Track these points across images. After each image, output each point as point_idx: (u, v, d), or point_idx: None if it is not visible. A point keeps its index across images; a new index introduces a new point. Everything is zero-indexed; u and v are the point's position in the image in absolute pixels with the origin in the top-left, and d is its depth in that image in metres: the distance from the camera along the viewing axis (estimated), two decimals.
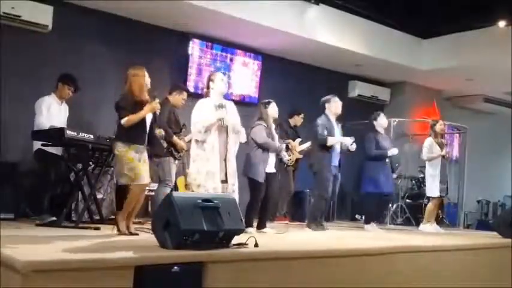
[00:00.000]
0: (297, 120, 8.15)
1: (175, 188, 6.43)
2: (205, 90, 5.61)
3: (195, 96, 6.68)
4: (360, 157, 7.26)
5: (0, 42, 6.49)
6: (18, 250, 3.18)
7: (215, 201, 3.76)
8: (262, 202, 5.89)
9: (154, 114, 5.01)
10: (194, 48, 8.34)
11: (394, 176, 7.97)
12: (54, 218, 5.62)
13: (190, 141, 6.00)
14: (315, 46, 8.73)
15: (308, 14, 8.36)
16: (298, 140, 7.91)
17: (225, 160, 5.27)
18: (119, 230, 4.70)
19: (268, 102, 6.10)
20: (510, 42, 8.39)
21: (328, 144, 6.46)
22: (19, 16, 6.57)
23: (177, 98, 6.22)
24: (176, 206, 3.53)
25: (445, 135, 8.32)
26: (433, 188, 7.68)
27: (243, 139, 5.52)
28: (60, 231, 4.87)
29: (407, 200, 9.57)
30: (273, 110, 6.08)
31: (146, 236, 4.53)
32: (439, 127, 7.84)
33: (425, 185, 8.16)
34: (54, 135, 5.53)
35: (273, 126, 6.11)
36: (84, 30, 7.28)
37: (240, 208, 4.06)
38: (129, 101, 4.74)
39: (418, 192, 9.57)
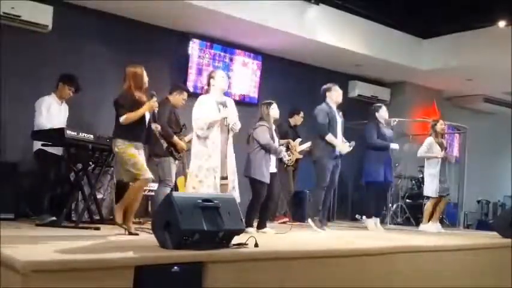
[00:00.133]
0: (297, 120, 8.15)
1: (176, 188, 6.43)
2: (205, 87, 5.61)
3: (195, 96, 6.68)
4: (361, 148, 7.22)
5: (0, 42, 6.49)
6: (18, 250, 3.18)
7: (215, 201, 3.76)
8: (262, 202, 5.89)
9: (152, 112, 5.02)
10: (194, 48, 8.34)
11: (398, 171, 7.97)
12: (54, 218, 5.62)
13: (190, 141, 6.01)
14: (315, 46, 8.73)
15: (308, 14, 8.36)
16: (298, 140, 7.92)
17: (225, 157, 5.28)
18: (130, 232, 4.69)
19: (270, 103, 6.10)
20: (510, 42, 8.39)
21: (326, 138, 6.44)
22: (19, 16, 6.57)
23: (178, 98, 6.22)
24: (176, 206, 3.53)
25: (445, 135, 8.31)
26: (431, 188, 7.68)
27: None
28: (60, 231, 4.88)
29: (407, 200, 9.57)
30: (274, 111, 6.08)
31: (146, 236, 4.53)
32: (439, 127, 7.85)
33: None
34: (54, 135, 5.53)
35: (273, 127, 6.12)
36: (84, 30, 7.28)
37: (240, 208, 4.06)
38: (128, 99, 4.75)
39: (418, 192, 9.57)
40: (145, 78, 4.90)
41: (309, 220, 6.63)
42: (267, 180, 5.80)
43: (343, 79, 10.23)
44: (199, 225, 3.56)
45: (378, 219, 7.31)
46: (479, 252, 5.74)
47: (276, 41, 8.60)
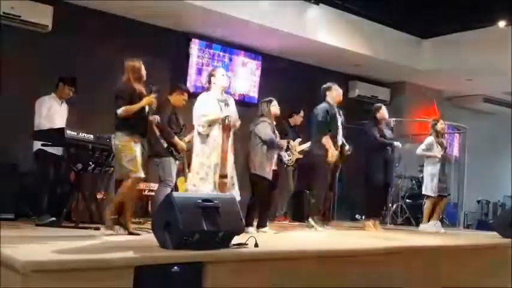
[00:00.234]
0: (297, 120, 8.14)
1: (176, 188, 6.42)
2: (206, 85, 5.61)
3: (195, 96, 6.67)
4: (361, 148, 7.22)
5: (0, 42, 6.49)
6: (18, 250, 3.18)
7: (215, 201, 3.75)
8: (263, 201, 5.88)
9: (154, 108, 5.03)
10: (194, 48, 8.34)
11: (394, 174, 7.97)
12: (54, 218, 5.62)
13: (190, 141, 6.01)
14: (315, 46, 8.73)
15: (308, 14, 8.37)
16: (298, 140, 7.91)
17: (225, 155, 5.28)
18: (129, 232, 4.67)
19: (270, 101, 6.10)
20: (510, 42, 8.39)
21: (323, 141, 6.42)
22: (19, 16, 6.58)
23: (178, 99, 6.21)
24: (176, 206, 3.53)
25: (445, 135, 8.31)
26: (430, 187, 7.67)
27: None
28: (60, 231, 4.88)
29: (408, 200, 9.57)
30: (274, 108, 6.08)
31: (146, 236, 4.53)
32: (439, 126, 7.84)
33: None
34: (54, 135, 5.53)
35: (274, 123, 6.12)
36: (84, 30, 7.28)
37: (240, 207, 4.06)
38: (127, 91, 4.73)
39: (418, 192, 9.54)
40: (143, 72, 4.89)
41: (310, 220, 6.62)
42: (269, 176, 5.79)
43: (343, 79, 10.22)
44: (199, 225, 3.56)
45: (377, 221, 7.30)
46: (479, 252, 5.74)
47: (276, 41, 8.61)
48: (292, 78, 9.29)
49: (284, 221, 7.92)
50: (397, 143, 7.37)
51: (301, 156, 7.86)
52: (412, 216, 9.16)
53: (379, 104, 7.55)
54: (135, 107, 4.71)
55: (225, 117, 5.26)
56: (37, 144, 5.79)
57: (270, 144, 5.84)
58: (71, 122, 6.16)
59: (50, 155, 5.84)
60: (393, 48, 9.53)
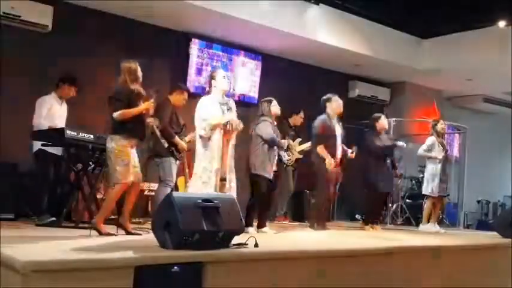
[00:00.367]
0: (297, 120, 8.14)
1: (176, 188, 6.42)
2: (207, 88, 5.60)
3: (195, 96, 6.68)
4: (361, 153, 7.23)
5: (0, 42, 6.49)
6: (18, 250, 3.18)
7: (215, 201, 3.75)
8: (263, 200, 5.88)
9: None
10: (194, 48, 8.34)
11: (399, 172, 7.91)
12: (54, 218, 5.62)
13: (190, 141, 6.01)
14: (315, 46, 8.73)
15: (308, 14, 8.37)
16: (298, 140, 7.91)
17: (226, 158, 5.28)
18: (99, 232, 4.57)
19: (270, 101, 6.11)
20: (510, 42, 8.39)
21: (317, 150, 6.40)
22: (19, 16, 6.58)
23: (178, 98, 6.21)
24: (176, 206, 3.53)
25: (445, 135, 8.30)
26: (430, 187, 7.67)
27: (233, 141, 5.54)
28: (60, 231, 4.88)
29: (408, 200, 9.57)
30: (275, 107, 6.09)
31: (146, 236, 4.53)
32: (440, 126, 7.83)
33: None
34: (54, 135, 5.53)
35: (275, 123, 6.12)
36: (84, 30, 7.28)
37: (240, 207, 4.06)
38: (124, 93, 4.65)
39: (418, 192, 9.55)
40: (140, 73, 4.82)
41: (309, 226, 6.62)
42: (270, 176, 5.79)
43: (343, 79, 10.26)
44: (199, 225, 3.56)
45: (375, 225, 7.30)
46: (479, 252, 5.74)
47: (276, 41, 8.61)
48: (292, 78, 9.29)
49: (284, 221, 7.92)
50: (401, 143, 7.37)
51: (301, 156, 7.87)
52: (412, 216, 9.16)
53: (378, 114, 7.52)
54: (133, 111, 4.61)
55: (227, 122, 5.25)
56: (37, 144, 5.79)
57: (272, 143, 5.83)
58: (71, 122, 6.16)
59: (50, 155, 5.84)
60: (393, 48, 9.53)
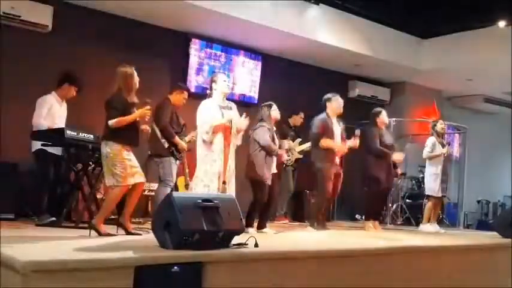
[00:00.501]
0: (297, 120, 8.15)
1: (176, 188, 6.43)
2: (208, 91, 5.61)
3: (195, 96, 6.69)
4: (362, 153, 7.22)
5: (0, 42, 6.49)
6: (18, 250, 3.18)
7: (215, 201, 3.76)
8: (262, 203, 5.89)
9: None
10: (194, 48, 8.34)
11: (399, 171, 7.87)
12: (54, 218, 5.62)
13: (190, 141, 6.02)
14: (315, 46, 8.73)
15: (308, 14, 8.37)
16: (298, 140, 7.92)
17: (227, 161, 5.29)
18: (99, 233, 4.56)
19: (270, 105, 6.10)
20: (510, 42, 8.39)
21: (321, 144, 6.44)
22: (19, 16, 6.58)
23: (178, 98, 6.21)
24: (176, 206, 3.53)
25: (445, 135, 8.29)
26: (433, 187, 7.66)
27: (238, 142, 5.55)
28: (60, 231, 4.88)
29: (408, 200, 9.57)
30: (275, 112, 6.08)
31: (146, 236, 4.53)
32: (439, 126, 7.82)
33: (425, 185, 8.15)
34: (54, 135, 5.53)
35: (274, 129, 6.11)
36: (84, 30, 7.28)
37: (240, 209, 4.06)
38: (120, 101, 4.63)
39: (418, 192, 9.57)
40: (136, 79, 4.77)
41: (309, 227, 6.62)
42: (269, 181, 5.79)
43: (343, 79, 10.26)
44: (199, 225, 3.56)
45: (377, 222, 7.32)
46: (479, 252, 5.74)
47: (276, 41, 8.61)
48: (292, 78, 9.29)
49: (284, 221, 7.92)
50: (399, 156, 7.32)
51: (301, 156, 7.88)
52: (412, 216, 9.16)
53: (378, 109, 7.47)
54: (128, 118, 4.58)
55: (229, 121, 5.25)
56: (37, 144, 5.79)
57: (268, 151, 5.83)
58: (71, 122, 6.16)
59: (50, 155, 5.84)
60: (393, 48, 9.53)
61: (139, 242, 4.16)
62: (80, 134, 5.46)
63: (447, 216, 9.74)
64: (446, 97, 11.86)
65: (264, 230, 5.91)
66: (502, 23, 8.53)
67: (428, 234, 7.02)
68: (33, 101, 5.99)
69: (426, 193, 7.92)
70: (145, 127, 5.11)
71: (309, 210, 7.56)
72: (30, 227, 5.31)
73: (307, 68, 9.75)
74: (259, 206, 5.83)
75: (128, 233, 4.72)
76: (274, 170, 5.99)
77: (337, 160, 6.55)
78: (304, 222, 7.85)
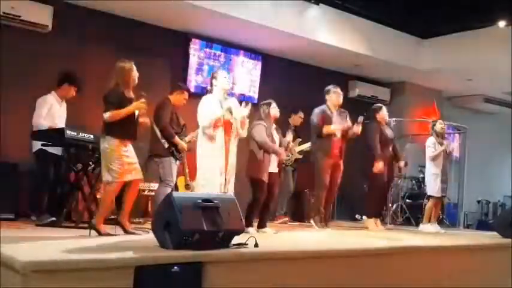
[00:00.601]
0: (296, 120, 8.14)
1: (176, 188, 6.43)
2: (208, 87, 5.61)
3: (196, 96, 6.68)
4: (362, 150, 7.23)
5: (0, 42, 6.49)
6: (18, 250, 3.18)
7: (215, 201, 3.75)
8: (263, 202, 5.89)
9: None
10: (194, 48, 8.34)
11: (402, 164, 7.87)
12: (54, 218, 5.62)
13: (190, 141, 6.02)
14: (315, 46, 8.73)
15: (308, 14, 8.36)
16: (298, 140, 7.93)
17: (228, 156, 5.29)
18: (99, 233, 4.55)
19: (269, 103, 6.10)
20: (510, 42, 8.39)
21: (324, 132, 6.46)
22: (19, 16, 6.58)
23: (179, 98, 6.21)
24: (176, 206, 3.53)
25: (445, 135, 8.28)
26: (434, 187, 7.65)
27: (245, 134, 5.55)
28: (60, 231, 4.87)
29: (408, 200, 9.56)
30: (274, 110, 6.08)
31: (146, 236, 4.52)
32: (439, 126, 7.81)
33: (425, 185, 8.14)
34: (54, 135, 5.53)
35: (274, 126, 6.11)
36: (84, 30, 7.28)
37: (240, 208, 4.06)
38: (116, 95, 4.62)
39: (418, 192, 9.57)
40: (135, 74, 4.76)
41: (311, 221, 6.64)
42: (265, 179, 5.79)
43: (343, 79, 10.23)
44: (199, 225, 3.56)
45: (379, 220, 7.33)
46: (479, 252, 5.74)
47: (276, 41, 8.61)
48: (292, 78, 9.29)
49: (284, 221, 7.91)
50: (401, 164, 7.47)
51: (300, 156, 7.89)
52: (412, 216, 9.16)
53: (378, 105, 7.51)
54: (123, 112, 4.57)
55: (228, 109, 5.24)
56: (37, 144, 5.79)
57: (264, 148, 5.83)
58: (71, 122, 6.16)
59: (50, 155, 5.84)
60: (393, 48, 9.53)
61: (139, 242, 4.16)
62: (80, 134, 5.46)
63: (447, 216, 9.73)
64: (446, 97, 11.86)
65: (264, 229, 5.91)
66: (502, 23, 8.53)
67: (428, 234, 7.02)
68: (33, 101, 6.00)
69: (428, 193, 7.91)
70: (143, 120, 5.06)
71: (309, 210, 7.55)
72: (30, 227, 5.32)
73: (307, 68, 9.75)
74: (258, 205, 5.83)
75: (127, 232, 4.71)
76: (274, 169, 5.99)
77: (336, 152, 6.55)
78: (304, 222, 7.86)
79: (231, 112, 5.29)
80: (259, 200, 5.81)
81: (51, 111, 5.97)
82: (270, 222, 6.66)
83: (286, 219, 7.97)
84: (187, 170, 6.39)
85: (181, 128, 6.12)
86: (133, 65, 4.77)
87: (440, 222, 8.34)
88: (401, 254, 4.85)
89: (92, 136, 5.54)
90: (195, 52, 8.35)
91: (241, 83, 8.87)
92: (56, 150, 5.83)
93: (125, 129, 4.62)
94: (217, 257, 3.50)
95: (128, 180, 4.63)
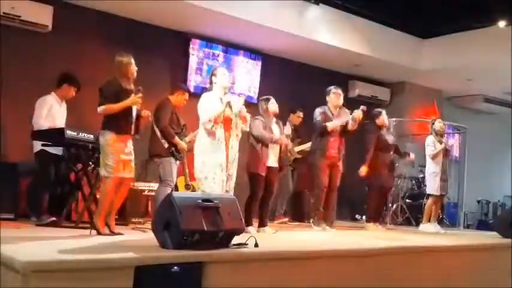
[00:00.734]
0: (295, 120, 8.13)
1: (176, 188, 6.43)
2: (208, 85, 5.60)
3: (196, 96, 6.67)
4: (362, 153, 7.25)
5: (0, 42, 6.49)
6: (18, 250, 3.18)
7: (215, 201, 3.76)
8: (262, 199, 5.88)
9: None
10: (194, 48, 8.34)
11: (412, 156, 7.88)
12: (54, 218, 5.62)
13: (190, 141, 6.01)
14: (315, 46, 8.73)
15: (308, 14, 8.36)
16: (297, 140, 7.93)
17: (229, 153, 5.28)
18: (98, 232, 4.57)
19: (268, 99, 6.12)
20: (510, 42, 8.39)
21: (329, 128, 6.50)
22: (19, 16, 6.58)
23: (179, 99, 6.20)
24: (176, 206, 3.53)
25: (445, 134, 8.28)
26: (433, 186, 7.66)
27: (247, 128, 5.55)
28: (60, 231, 4.87)
29: (408, 200, 9.57)
30: (272, 105, 6.09)
31: (146, 236, 4.52)
32: (438, 125, 7.82)
33: (425, 185, 8.15)
34: (54, 135, 5.53)
35: (274, 121, 6.10)
36: (84, 30, 7.29)
37: (240, 207, 4.06)
38: (111, 88, 4.61)
39: (418, 192, 9.57)
40: (133, 68, 4.75)
41: (311, 221, 6.64)
42: (262, 172, 5.79)
43: (343, 79, 10.24)
44: (199, 225, 3.56)
45: (377, 223, 7.34)
46: (479, 252, 5.74)
47: (276, 41, 8.60)
48: (292, 78, 9.29)
49: (284, 221, 7.92)
50: (412, 157, 7.56)
51: (300, 156, 7.89)
52: (412, 216, 9.16)
53: (378, 110, 7.53)
54: (115, 107, 4.55)
55: (228, 103, 5.23)
56: (38, 145, 5.78)
57: (261, 140, 5.85)
58: (71, 122, 6.16)
59: (51, 156, 5.84)
60: (393, 48, 9.53)
61: (139, 242, 4.16)
62: (80, 134, 5.45)
63: (447, 216, 9.73)
64: (446, 97, 11.86)
65: (264, 229, 5.91)
66: (502, 23, 8.53)
67: (428, 234, 7.03)
68: (33, 101, 5.99)
69: (427, 192, 7.92)
70: (144, 112, 4.98)
71: (309, 209, 7.56)
72: (30, 227, 5.32)
73: (307, 68, 9.75)
74: (256, 199, 5.83)
75: (112, 232, 4.64)
76: (274, 163, 5.97)
77: (333, 152, 6.55)
78: (304, 222, 7.86)
79: (230, 107, 5.27)
80: (257, 195, 5.81)
81: (51, 111, 5.96)
82: (270, 222, 6.65)
83: (286, 219, 7.97)
84: (187, 170, 6.39)
85: (181, 128, 6.11)
86: (132, 59, 4.77)
87: (440, 222, 8.34)
88: (401, 254, 4.86)
89: (92, 136, 5.54)
90: (195, 52, 8.35)
91: (241, 83, 8.87)
92: (56, 151, 5.83)
93: (120, 123, 4.60)
94: (217, 257, 3.50)
95: (122, 177, 4.61)
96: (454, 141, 11.29)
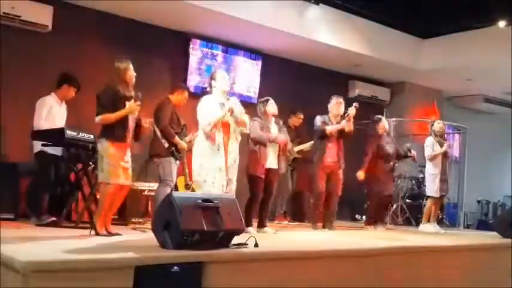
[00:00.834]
0: (294, 121, 8.12)
1: (176, 188, 6.43)
2: (207, 88, 5.60)
3: (196, 96, 6.68)
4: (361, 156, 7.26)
5: (0, 42, 6.49)
6: (18, 250, 3.18)
7: (215, 201, 3.76)
8: (262, 200, 5.88)
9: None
10: (194, 48, 8.34)
11: (413, 152, 7.90)
12: (54, 218, 5.62)
13: (190, 141, 6.01)
14: (315, 46, 8.73)
15: (308, 14, 8.36)
16: (298, 140, 7.92)
17: (228, 156, 5.28)
18: (96, 232, 4.57)
19: (266, 100, 6.12)
20: (510, 42, 8.39)
21: (328, 131, 6.50)
22: (19, 16, 6.58)
23: (179, 98, 6.20)
24: (176, 206, 3.53)
25: (445, 135, 8.28)
26: (433, 187, 7.66)
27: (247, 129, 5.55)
28: (60, 231, 4.87)
29: (408, 200, 9.57)
30: (271, 107, 6.08)
31: (146, 236, 4.52)
32: (437, 126, 7.83)
33: (425, 185, 8.15)
34: (54, 135, 5.52)
35: (273, 121, 6.10)
36: (84, 30, 7.28)
37: (239, 205, 4.06)
38: (110, 97, 4.58)
39: (418, 192, 9.57)
40: (131, 73, 4.73)
41: (311, 225, 6.65)
42: (261, 174, 5.80)
43: (343, 79, 10.25)
44: (199, 225, 3.56)
45: (377, 224, 7.36)
46: (479, 252, 5.74)
47: (276, 41, 8.60)
48: (292, 78, 9.29)
49: (284, 221, 7.92)
50: (414, 153, 7.59)
51: (299, 156, 7.89)
52: (412, 216, 9.16)
53: (378, 116, 7.61)
54: (113, 116, 4.54)
55: (230, 109, 5.23)
56: (38, 145, 5.78)
57: (259, 140, 5.84)
58: (71, 122, 6.16)
59: (51, 156, 5.83)
60: (393, 48, 9.53)
61: (139, 242, 4.16)
62: (80, 134, 5.45)
63: (447, 216, 9.73)
64: (446, 97, 11.86)
65: (264, 229, 5.91)
66: (502, 23, 8.53)
67: (428, 234, 7.03)
68: (34, 101, 5.98)
69: (427, 193, 7.93)
70: (145, 121, 4.97)
71: (308, 210, 7.57)
72: (30, 227, 5.32)
73: (307, 68, 9.75)
74: (256, 201, 5.83)
75: (109, 233, 4.65)
76: (274, 164, 5.97)
77: (330, 160, 6.55)
78: (304, 222, 7.86)
79: (232, 112, 5.28)
80: (257, 197, 5.82)
81: (51, 112, 5.96)
82: (270, 222, 6.65)
83: (286, 221, 7.97)
84: (187, 170, 6.38)
85: (181, 128, 6.11)
86: (130, 64, 4.75)
87: (440, 222, 8.35)
88: (401, 254, 4.86)
89: (92, 136, 5.53)
90: (195, 52, 8.35)
91: (240, 83, 8.86)
92: (56, 151, 5.83)
93: (117, 133, 4.59)
94: (217, 257, 3.50)
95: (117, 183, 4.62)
96: (455, 144, 11.28)
